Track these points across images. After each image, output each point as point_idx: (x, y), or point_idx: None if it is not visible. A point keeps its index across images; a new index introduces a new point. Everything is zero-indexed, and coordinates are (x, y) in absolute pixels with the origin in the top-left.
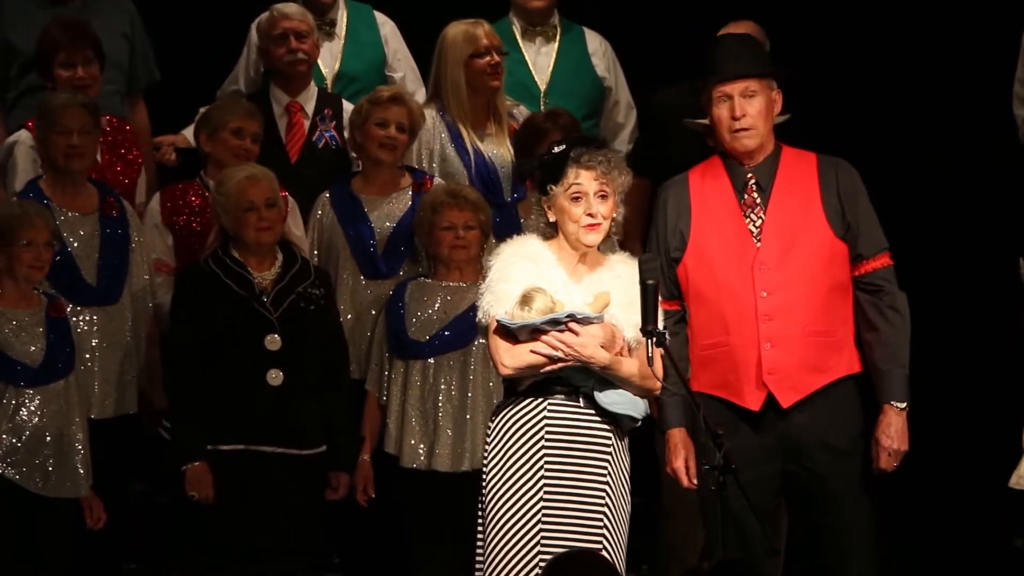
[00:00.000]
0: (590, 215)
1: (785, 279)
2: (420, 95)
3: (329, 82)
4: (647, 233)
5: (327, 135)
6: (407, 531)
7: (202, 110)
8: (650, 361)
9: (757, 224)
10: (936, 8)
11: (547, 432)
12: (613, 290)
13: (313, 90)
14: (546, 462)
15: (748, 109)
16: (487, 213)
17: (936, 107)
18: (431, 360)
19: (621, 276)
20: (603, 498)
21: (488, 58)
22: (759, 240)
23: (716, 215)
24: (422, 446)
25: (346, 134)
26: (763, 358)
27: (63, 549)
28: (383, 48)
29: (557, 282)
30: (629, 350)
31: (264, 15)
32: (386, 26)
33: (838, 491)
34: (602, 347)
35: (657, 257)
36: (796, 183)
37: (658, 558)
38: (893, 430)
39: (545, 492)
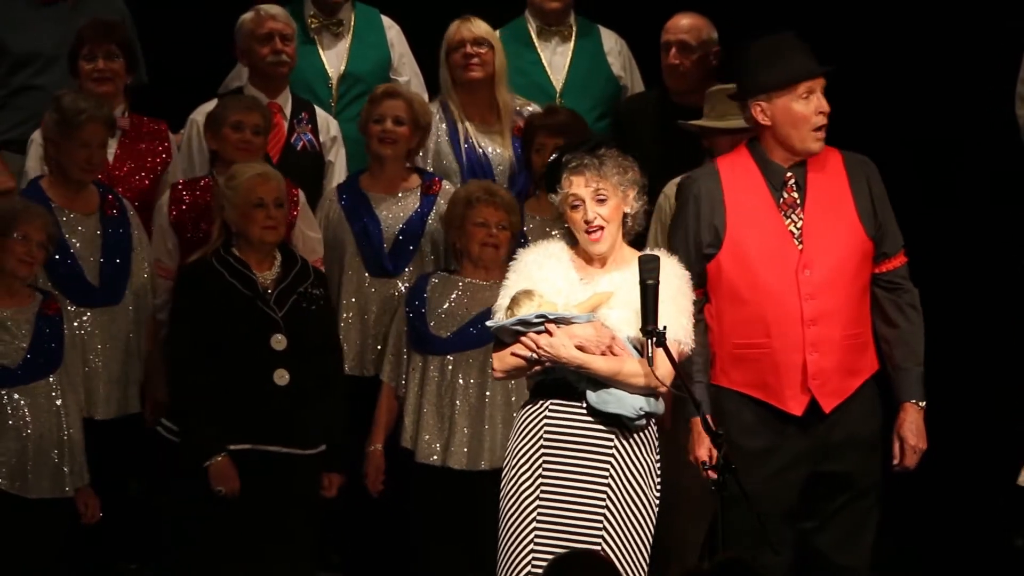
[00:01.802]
0: (587, 221)
1: (826, 282)
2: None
3: (334, 82)
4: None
5: (305, 138)
6: (414, 526)
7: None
8: (650, 361)
9: (798, 225)
10: (936, 6)
11: (545, 432)
12: (621, 289)
13: (288, 93)
14: (544, 462)
15: (826, 106)
16: (518, 216)
17: (936, 107)
18: (450, 356)
19: (635, 276)
20: (603, 499)
21: (462, 50)
22: (800, 242)
23: (753, 214)
24: (437, 442)
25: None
26: (808, 363)
27: (51, 550)
28: (389, 51)
29: (561, 283)
30: (640, 349)
31: (248, 15)
32: (392, 30)
33: (859, 486)
34: (582, 347)
35: (657, 257)
36: (828, 182)
37: (657, 558)
38: (916, 427)
39: (541, 492)
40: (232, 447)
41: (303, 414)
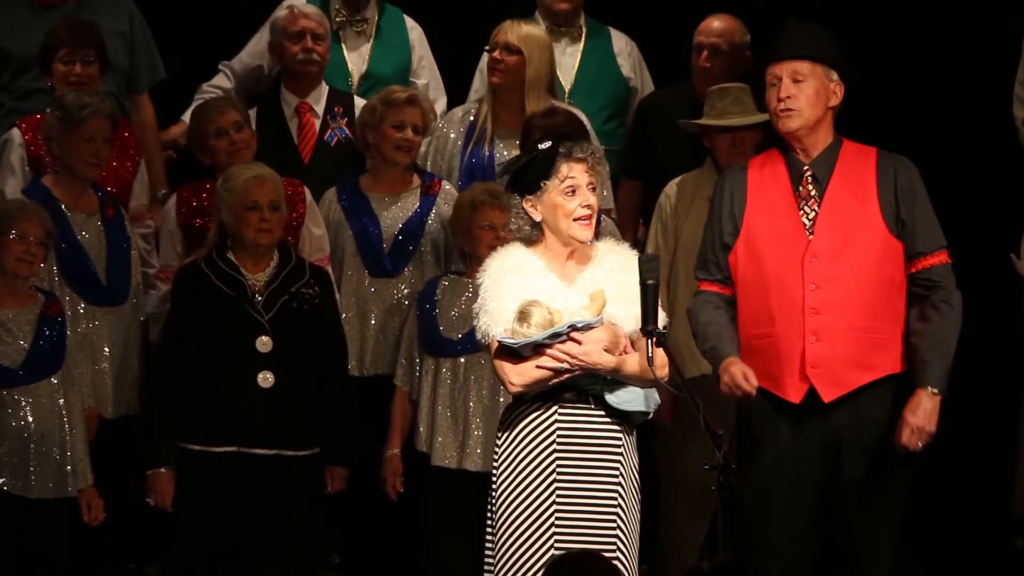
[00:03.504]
0: (587, 207)
1: (835, 273)
2: (441, 103)
3: (355, 81)
4: (640, 235)
5: (339, 132)
6: (430, 529)
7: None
8: (650, 361)
9: (811, 216)
10: (934, 6)
11: (558, 436)
12: (606, 285)
13: (323, 90)
14: (558, 466)
15: (793, 91)
16: None
17: (935, 108)
18: (462, 359)
19: (612, 269)
20: (615, 499)
21: (493, 53)
22: (811, 232)
23: (771, 205)
24: (452, 445)
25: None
26: (807, 351)
27: (55, 550)
28: (410, 53)
29: (549, 289)
30: (632, 343)
31: (282, 12)
32: (414, 31)
33: (870, 493)
34: (606, 350)
35: (657, 257)
36: (853, 178)
37: (657, 558)
38: (921, 410)
39: (557, 495)
40: (218, 450)
41: (292, 415)
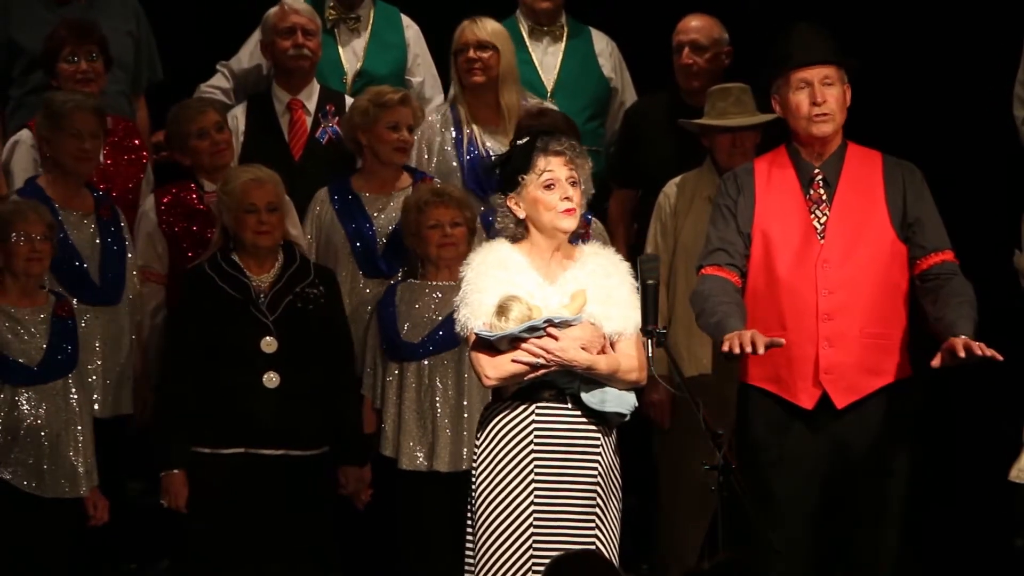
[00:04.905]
0: (567, 199)
1: (847, 278)
2: (437, 102)
3: (349, 79)
4: (634, 241)
5: (330, 131)
6: (404, 532)
7: None
8: (651, 362)
9: (822, 221)
10: (936, 8)
11: (536, 436)
12: (588, 286)
13: (315, 87)
14: (536, 465)
15: (827, 96)
16: (472, 210)
17: (935, 108)
18: (426, 362)
19: (595, 271)
20: (594, 498)
21: (466, 54)
22: (823, 237)
23: (781, 207)
24: (421, 448)
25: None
26: (820, 357)
27: (61, 550)
28: (406, 51)
29: (531, 286)
30: (612, 345)
31: (273, 9)
32: (410, 29)
33: (875, 495)
34: (583, 348)
35: (658, 257)
36: (861, 181)
37: (657, 558)
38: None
39: (536, 496)
40: (226, 451)
41: (299, 415)
